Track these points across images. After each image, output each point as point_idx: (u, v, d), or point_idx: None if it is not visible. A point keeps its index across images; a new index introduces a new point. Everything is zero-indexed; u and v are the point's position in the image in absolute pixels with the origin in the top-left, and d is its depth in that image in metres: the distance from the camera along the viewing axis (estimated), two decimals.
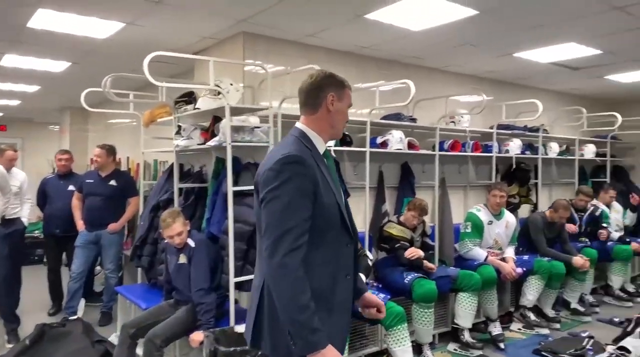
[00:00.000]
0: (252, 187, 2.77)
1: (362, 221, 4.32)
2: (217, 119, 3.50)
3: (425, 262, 3.99)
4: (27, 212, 4.65)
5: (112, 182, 4.76)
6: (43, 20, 3.68)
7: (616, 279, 5.53)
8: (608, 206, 5.90)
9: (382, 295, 3.64)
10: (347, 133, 4.23)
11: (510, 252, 4.64)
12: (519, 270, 4.44)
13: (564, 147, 6.26)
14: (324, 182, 1.69)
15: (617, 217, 5.91)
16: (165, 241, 3.44)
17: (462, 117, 5.15)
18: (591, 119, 6.46)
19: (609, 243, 5.42)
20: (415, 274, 3.87)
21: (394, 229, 4.07)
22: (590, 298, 5.27)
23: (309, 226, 1.61)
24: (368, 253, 3.84)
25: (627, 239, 5.67)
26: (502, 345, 4.19)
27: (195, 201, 3.97)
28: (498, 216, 4.64)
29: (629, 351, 3.68)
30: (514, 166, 5.53)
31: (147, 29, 3.87)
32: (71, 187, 4.94)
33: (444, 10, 3.48)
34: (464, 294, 4.06)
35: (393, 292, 3.80)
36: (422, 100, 4.95)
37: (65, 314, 4.54)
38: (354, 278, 1.84)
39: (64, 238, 4.97)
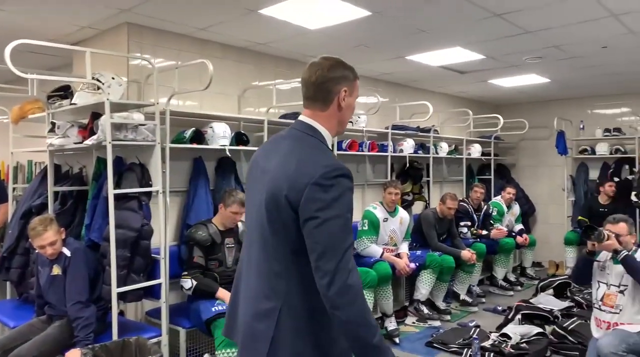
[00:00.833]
0: (136, 190, 2.54)
1: None
2: (96, 115, 3.21)
3: None
4: None
5: None
6: None
7: (500, 270, 5.95)
8: (508, 205, 6.30)
9: None
10: (243, 132, 4.11)
11: (404, 248, 4.80)
12: (413, 265, 4.60)
13: (453, 146, 6.61)
14: None
15: (511, 219, 6.33)
16: (37, 251, 3.08)
17: (359, 117, 5.24)
18: (477, 121, 6.90)
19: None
20: None
21: None
22: (477, 289, 5.61)
23: None
24: None
25: (513, 233, 6.13)
26: (397, 340, 4.30)
27: (74, 205, 3.63)
28: (393, 213, 4.77)
29: (509, 337, 3.93)
30: (408, 165, 5.74)
31: (13, 14, 3.45)
32: None
33: (339, 9, 3.47)
34: None
35: None
36: None
37: None
38: None
39: None
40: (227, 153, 3.84)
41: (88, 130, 3.26)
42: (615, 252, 3.06)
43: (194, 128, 3.71)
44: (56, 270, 3.00)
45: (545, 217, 7.67)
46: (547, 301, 4.87)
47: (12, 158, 4.28)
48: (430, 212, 5.30)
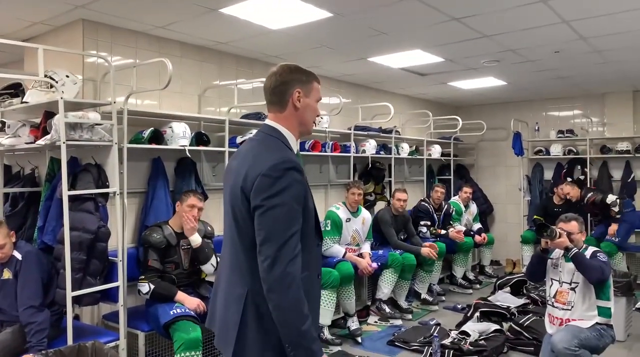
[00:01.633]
0: (92, 191, 2.47)
1: (221, 224, 4.16)
2: (49, 114, 3.10)
3: None
4: None
5: None
6: None
7: (459, 269, 6.08)
8: (466, 205, 6.44)
9: None
10: (204, 132, 4.06)
11: (366, 247, 4.84)
12: (375, 265, 4.64)
13: (414, 147, 6.73)
14: (307, 186, 1.64)
15: (469, 218, 6.49)
16: None
17: (321, 118, 5.25)
18: (437, 122, 7.04)
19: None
20: None
21: None
22: (437, 288, 5.71)
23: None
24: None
25: (472, 232, 6.27)
26: (359, 339, 4.33)
27: (26, 207, 3.51)
28: (355, 213, 4.80)
29: (468, 334, 4.02)
30: (370, 165, 5.80)
31: None
32: None
33: (300, 10, 3.48)
34: (323, 292, 4.11)
35: None
36: None
37: None
38: (321, 278, 1.82)
39: None
40: (187, 153, 3.79)
41: (41, 129, 3.16)
42: (566, 249, 3.17)
43: (152, 128, 3.64)
44: (7, 274, 2.89)
45: (503, 217, 7.90)
46: (504, 299, 5.01)
47: None
48: (385, 211, 5.36)
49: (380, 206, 6.06)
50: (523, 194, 7.30)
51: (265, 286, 1.52)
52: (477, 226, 6.51)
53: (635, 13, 3.56)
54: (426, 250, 5.15)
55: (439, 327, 4.48)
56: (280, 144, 1.68)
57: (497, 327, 4.23)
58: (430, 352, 3.86)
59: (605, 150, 6.76)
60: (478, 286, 6.19)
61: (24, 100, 3.16)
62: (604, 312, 3.15)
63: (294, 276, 1.51)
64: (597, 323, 3.12)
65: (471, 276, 6.31)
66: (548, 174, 7.32)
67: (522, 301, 4.97)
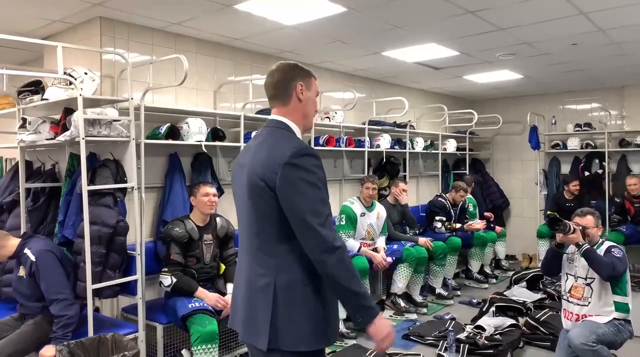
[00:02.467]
0: (110, 186, 2.51)
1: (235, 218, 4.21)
2: (69, 111, 3.16)
3: None
4: None
5: None
6: None
7: (475, 263, 6.05)
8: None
9: None
10: (220, 128, 4.10)
11: (381, 242, 4.85)
12: (389, 259, 4.65)
13: (429, 141, 6.70)
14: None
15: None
16: None
17: (336, 113, 5.26)
18: (452, 116, 7.00)
19: (469, 232, 5.85)
20: None
21: None
22: (452, 282, 5.69)
23: None
24: None
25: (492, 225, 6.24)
26: None
27: (47, 202, 3.57)
28: (370, 207, 4.81)
29: (484, 329, 4.02)
30: (385, 160, 5.80)
31: None
32: None
33: (315, 5, 3.49)
34: None
35: None
36: None
37: None
38: None
39: None
40: (203, 149, 3.83)
41: (60, 126, 3.21)
42: (577, 245, 3.14)
43: (169, 124, 3.69)
44: (22, 271, 2.96)
45: (519, 211, 7.83)
46: (520, 293, 4.98)
47: None
48: (383, 202, 5.28)
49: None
50: (539, 188, 7.23)
51: (317, 262, 1.60)
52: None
53: None
54: (423, 240, 5.15)
55: (454, 321, 4.48)
56: (291, 135, 1.75)
57: (513, 322, 4.21)
58: (446, 347, 3.86)
59: (624, 143, 6.67)
60: (494, 280, 6.16)
61: (44, 97, 3.22)
62: (621, 307, 3.12)
63: (343, 248, 1.61)
64: (614, 318, 3.09)
65: (488, 270, 6.27)
66: (565, 168, 7.23)
67: (538, 295, 4.94)
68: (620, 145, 6.69)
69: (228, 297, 3.33)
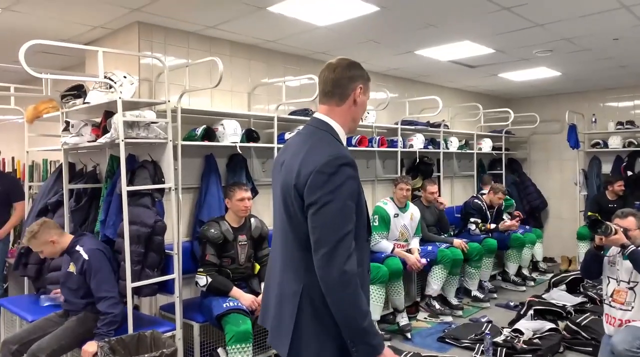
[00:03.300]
0: (149, 187, 2.55)
1: (271, 219, 4.24)
2: (109, 114, 3.26)
3: None
4: None
5: None
6: None
7: (512, 265, 5.92)
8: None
9: None
10: (254, 129, 4.14)
11: (415, 243, 4.80)
12: (424, 260, 4.60)
13: (463, 141, 6.59)
14: (360, 182, 1.64)
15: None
16: None
17: (368, 113, 5.24)
18: (487, 115, 6.87)
19: (506, 233, 5.73)
20: None
21: None
22: (488, 285, 5.58)
23: None
24: None
25: (527, 227, 6.10)
26: (409, 335, 4.31)
27: (89, 202, 3.69)
28: (403, 208, 4.77)
29: (522, 333, 3.92)
30: (418, 160, 5.74)
31: (27, 16, 3.51)
32: None
33: (347, 5, 3.49)
34: (372, 287, 4.12)
35: None
36: None
37: None
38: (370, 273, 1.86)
39: None
40: (238, 150, 3.88)
41: (101, 128, 3.32)
42: (623, 246, 3.03)
43: (205, 125, 3.75)
44: (72, 267, 3.05)
45: (558, 212, 7.62)
46: (560, 297, 4.85)
47: (28, 157, 4.36)
48: (416, 203, 5.20)
49: None
50: (579, 188, 7.01)
51: (323, 285, 1.52)
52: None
53: None
54: (458, 241, 5.06)
55: (490, 324, 4.40)
56: (331, 139, 1.65)
57: (553, 326, 4.10)
58: (482, 350, 3.80)
59: None
60: (532, 283, 6.00)
61: (85, 100, 3.33)
62: None
63: (352, 274, 1.49)
64: None
65: (526, 272, 6.12)
66: (606, 168, 7.00)
67: (579, 299, 4.80)
68: None
69: None
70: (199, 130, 3.71)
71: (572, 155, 7.04)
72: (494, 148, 6.95)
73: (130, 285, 3.04)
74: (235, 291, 3.37)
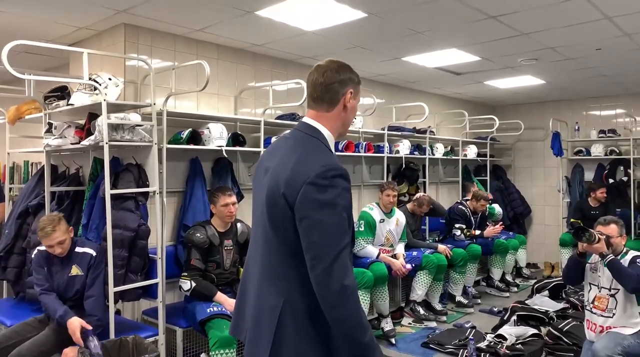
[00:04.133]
0: (133, 190, 2.51)
1: None
2: (93, 116, 3.22)
3: None
4: None
5: None
6: None
7: (496, 271, 5.97)
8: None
9: None
10: (240, 133, 4.13)
11: (400, 248, 4.81)
12: (409, 266, 4.61)
13: (449, 147, 6.64)
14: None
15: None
16: (40, 249, 3.06)
17: (355, 118, 5.25)
18: (473, 122, 6.93)
19: (490, 239, 5.78)
20: None
21: None
22: (473, 290, 5.62)
23: None
24: None
25: (510, 233, 6.16)
26: (393, 340, 4.32)
27: (71, 205, 3.64)
28: (389, 214, 4.78)
29: (505, 338, 3.95)
30: (404, 166, 5.77)
31: (10, 15, 3.46)
32: None
33: (335, 11, 3.49)
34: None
35: None
36: None
37: None
38: None
39: None
40: (224, 154, 3.86)
41: (85, 130, 3.28)
42: (602, 255, 3.06)
43: (190, 129, 3.73)
44: (75, 270, 2.99)
45: (541, 219, 7.71)
46: (543, 302, 4.89)
47: (9, 158, 4.28)
48: (403, 210, 5.20)
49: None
50: (562, 195, 7.10)
51: (323, 301, 1.45)
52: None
53: None
54: (442, 247, 5.10)
55: (474, 330, 4.42)
56: (322, 146, 1.59)
57: (535, 331, 4.14)
58: (466, 355, 3.81)
59: None
60: (515, 289, 6.06)
61: (69, 102, 3.29)
62: None
63: (352, 289, 1.44)
64: None
65: (510, 278, 6.17)
66: (589, 175, 7.09)
67: (561, 305, 4.85)
68: None
69: None
70: (185, 134, 3.68)
71: (556, 162, 7.13)
72: (479, 154, 7.01)
73: (112, 289, 3.00)
74: (220, 296, 3.34)
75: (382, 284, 4.38)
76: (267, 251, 1.59)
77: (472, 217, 5.78)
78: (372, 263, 4.42)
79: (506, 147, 7.95)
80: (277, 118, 4.58)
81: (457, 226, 5.63)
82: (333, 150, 1.66)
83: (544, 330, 4.24)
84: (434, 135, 6.38)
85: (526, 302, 4.93)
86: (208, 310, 3.20)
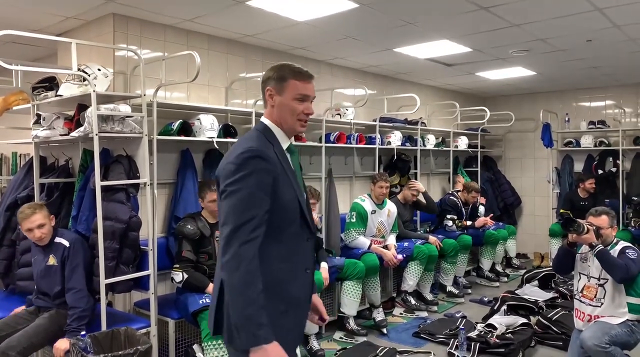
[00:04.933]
0: (123, 182, 2.53)
1: None
2: (82, 107, 3.19)
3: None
4: None
5: None
6: None
7: (486, 261, 6.02)
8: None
9: None
10: (231, 124, 4.11)
11: (391, 239, 4.84)
12: (400, 256, 4.64)
13: (440, 139, 6.66)
14: (284, 178, 1.69)
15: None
16: (25, 241, 3.06)
17: (347, 109, 5.25)
18: (464, 113, 6.95)
19: (481, 230, 5.83)
20: None
21: None
22: (463, 280, 5.67)
23: (265, 220, 1.61)
24: None
25: (500, 224, 6.20)
26: (384, 330, 4.35)
27: (61, 197, 3.61)
28: (381, 205, 4.80)
29: (495, 328, 3.99)
30: (396, 157, 5.78)
31: None
32: None
33: (326, 1, 3.48)
34: (349, 283, 4.14)
35: None
36: None
37: None
38: (313, 273, 1.84)
39: None
40: (215, 145, 3.84)
41: (74, 122, 3.25)
42: (591, 246, 3.09)
43: (181, 120, 3.70)
44: (52, 260, 2.98)
45: (531, 209, 7.78)
46: (532, 292, 4.95)
47: None
48: (394, 200, 5.24)
49: None
50: (552, 186, 7.17)
51: (220, 265, 1.63)
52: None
53: None
54: (433, 239, 5.13)
55: (465, 319, 4.47)
56: (259, 137, 1.72)
57: (525, 320, 4.19)
58: (456, 345, 3.85)
59: (639, 141, 6.58)
60: (505, 279, 6.11)
61: (58, 93, 3.25)
62: (634, 308, 3.07)
63: (245, 258, 1.54)
64: (628, 319, 3.05)
65: (500, 268, 6.23)
66: (578, 166, 7.16)
67: (550, 294, 4.91)
68: (635, 143, 6.61)
69: None
70: (175, 125, 3.66)
71: (546, 153, 7.18)
72: (469, 146, 7.03)
73: (104, 281, 2.99)
74: (212, 287, 3.33)
75: (373, 274, 4.40)
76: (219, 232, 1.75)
77: (463, 208, 5.82)
78: (363, 254, 4.44)
79: (497, 138, 7.99)
80: None
81: (448, 217, 5.66)
82: (285, 143, 1.77)
83: (533, 319, 4.29)
84: (426, 126, 6.39)
85: (516, 292, 5.00)
86: (200, 301, 3.20)
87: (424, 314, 4.83)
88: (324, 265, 3.93)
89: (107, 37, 3.64)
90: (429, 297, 5.07)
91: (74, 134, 3.13)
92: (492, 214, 6.11)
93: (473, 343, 3.83)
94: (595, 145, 6.89)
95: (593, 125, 6.97)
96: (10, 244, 3.63)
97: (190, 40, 4.06)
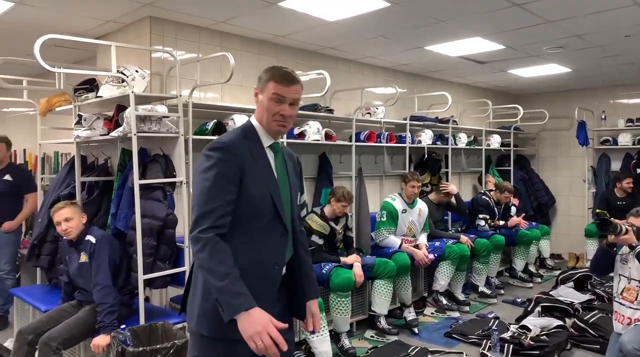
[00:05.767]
0: (160, 181, 2.64)
1: None
2: (121, 108, 3.29)
3: None
4: None
5: (7, 177, 4.39)
6: None
7: (519, 262, 5.92)
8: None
9: None
10: None
11: (422, 239, 4.81)
12: (431, 256, 4.61)
13: (472, 137, 6.58)
14: (255, 173, 1.76)
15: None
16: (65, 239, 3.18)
17: (377, 108, 5.25)
18: (496, 111, 6.85)
19: (514, 229, 5.74)
20: (333, 264, 3.89)
21: (314, 223, 4.03)
22: (496, 281, 5.59)
23: (231, 209, 1.70)
24: None
25: (534, 224, 6.09)
26: (416, 330, 4.33)
27: (100, 195, 3.73)
28: (411, 204, 4.78)
29: (529, 329, 3.93)
30: (426, 156, 5.74)
31: (39, 10, 3.54)
32: None
33: (357, 1, 3.49)
34: (380, 282, 4.14)
35: None
36: (338, 91, 4.99)
37: None
38: (281, 269, 1.87)
39: None
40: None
41: (113, 122, 3.35)
42: (631, 247, 3.02)
43: (215, 120, 3.77)
44: (84, 257, 3.09)
45: (566, 209, 7.60)
46: (567, 294, 4.84)
47: (40, 149, 4.40)
48: (426, 200, 5.22)
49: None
50: (588, 185, 6.99)
51: (190, 241, 1.74)
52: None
53: None
54: (465, 238, 5.07)
55: (497, 320, 4.41)
56: (236, 132, 1.84)
57: (560, 322, 4.11)
58: (489, 346, 3.81)
59: None
60: (539, 280, 6.01)
61: (98, 94, 3.37)
62: None
63: (209, 240, 1.63)
64: None
65: (533, 269, 6.12)
66: (615, 165, 6.96)
67: (586, 296, 4.79)
68: None
69: None
70: (210, 125, 3.73)
71: (581, 152, 7.02)
72: (502, 144, 6.93)
73: (142, 277, 3.08)
74: None
75: (404, 274, 4.39)
76: None
77: (495, 208, 5.74)
78: (394, 253, 4.44)
79: (530, 137, 7.84)
80: (300, 109, 4.59)
81: (480, 216, 5.59)
82: (268, 140, 1.84)
83: (569, 322, 4.20)
84: (457, 124, 6.32)
85: (550, 293, 4.89)
86: None
87: (456, 314, 4.79)
88: (357, 263, 3.95)
89: (144, 39, 3.74)
90: (461, 297, 5.02)
91: (113, 134, 3.24)
92: (524, 214, 6.00)
93: (506, 345, 3.78)
94: (633, 144, 6.69)
95: (631, 122, 6.77)
96: (54, 240, 3.76)
97: (223, 42, 4.14)
